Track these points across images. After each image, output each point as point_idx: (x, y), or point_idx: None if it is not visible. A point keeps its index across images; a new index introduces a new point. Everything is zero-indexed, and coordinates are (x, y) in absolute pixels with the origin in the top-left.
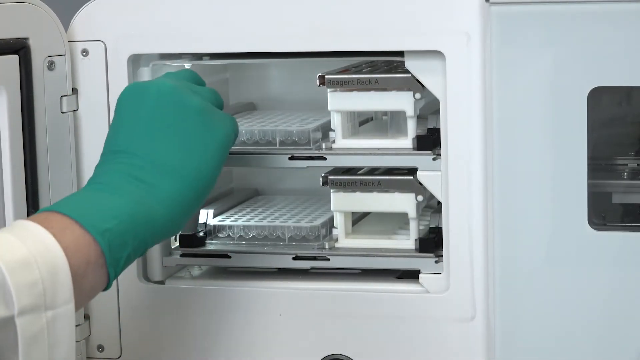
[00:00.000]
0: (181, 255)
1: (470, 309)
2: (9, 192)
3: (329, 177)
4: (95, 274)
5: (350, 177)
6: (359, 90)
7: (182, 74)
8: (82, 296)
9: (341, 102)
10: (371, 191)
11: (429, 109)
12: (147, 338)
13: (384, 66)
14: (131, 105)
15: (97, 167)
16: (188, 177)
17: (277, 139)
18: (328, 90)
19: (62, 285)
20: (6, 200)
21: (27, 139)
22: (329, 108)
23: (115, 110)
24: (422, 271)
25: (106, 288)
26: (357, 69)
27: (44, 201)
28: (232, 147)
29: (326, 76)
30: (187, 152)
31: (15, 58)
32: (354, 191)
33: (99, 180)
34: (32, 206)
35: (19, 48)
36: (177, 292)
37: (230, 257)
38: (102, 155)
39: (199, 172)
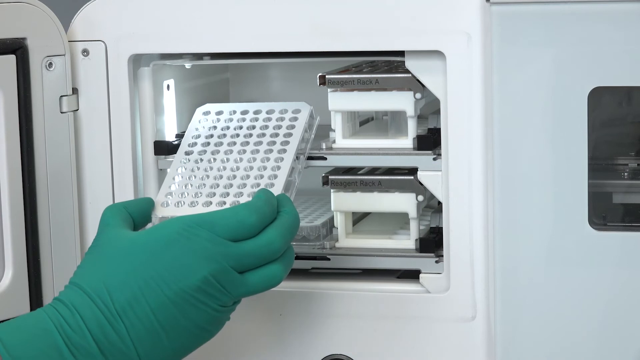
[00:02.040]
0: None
1: (470, 309)
2: (6, 193)
3: (329, 177)
4: None
5: (350, 177)
6: (359, 90)
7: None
8: None
9: (341, 102)
10: (371, 191)
11: (429, 109)
12: None
13: (384, 66)
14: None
15: (73, 295)
16: None
17: None
18: (328, 90)
19: None
20: (3, 202)
21: (25, 139)
22: (329, 108)
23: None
24: (422, 271)
25: None
26: (358, 69)
27: (42, 203)
28: None
29: (326, 76)
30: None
31: (12, 58)
32: (354, 191)
33: (75, 334)
34: (30, 208)
35: (16, 48)
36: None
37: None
38: (94, 294)
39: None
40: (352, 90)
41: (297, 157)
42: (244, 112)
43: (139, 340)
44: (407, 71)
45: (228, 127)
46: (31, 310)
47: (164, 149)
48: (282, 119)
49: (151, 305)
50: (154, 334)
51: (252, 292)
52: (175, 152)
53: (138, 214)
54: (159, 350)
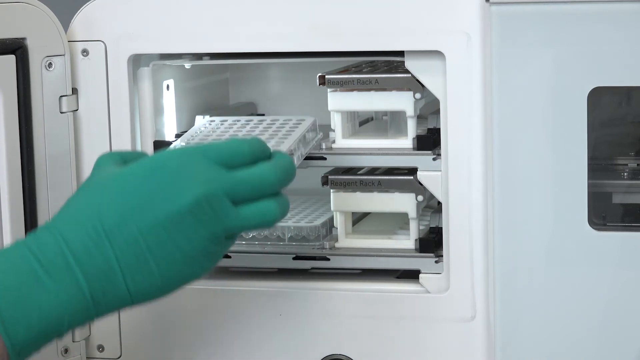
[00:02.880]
0: None
1: (470, 309)
2: (6, 194)
3: (329, 177)
4: None
5: (350, 177)
6: (359, 90)
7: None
8: None
9: (341, 102)
10: (371, 191)
11: (429, 109)
12: (147, 338)
13: (384, 66)
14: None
15: (68, 222)
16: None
17: None
18: (328, 90)
19: None
20: (3, 202)
21: (25, 139)
22: (329, 108)
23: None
24: (422, 271)
25: None
26: (357, 69)
27: (42, 203)
28: None
29: (326, 76)
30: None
31: (12, 58)
32: (354, 191)
33: (54, 248)
34: (30, 209)
35: (16, 48)
36: (176, 292)
37: (230, 256)
38: (82, 215)
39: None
40: (352, 90)
41: (290, 154)
42: (248, 120)
43: (126, 265)
44: (407, 71)
45: (230, 129)
46: None
47: (164, 148)
48: (282, 127)
49: (140, 228)
50: (142, 258)
51: (246, 225)
52: None
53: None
54: (147, 278)
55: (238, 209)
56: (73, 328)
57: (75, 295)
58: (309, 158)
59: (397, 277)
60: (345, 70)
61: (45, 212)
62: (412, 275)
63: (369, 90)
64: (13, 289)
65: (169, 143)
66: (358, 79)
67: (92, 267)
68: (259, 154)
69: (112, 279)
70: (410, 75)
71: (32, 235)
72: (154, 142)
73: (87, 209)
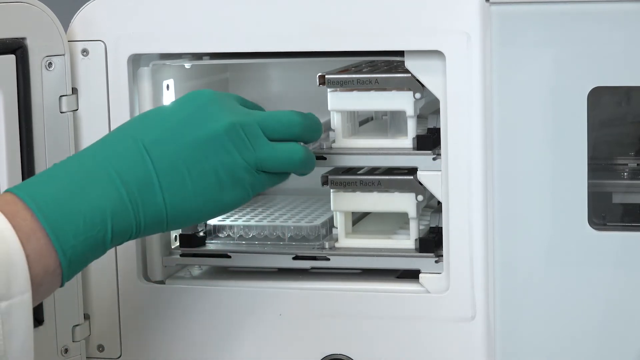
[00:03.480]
0: (181, 255)
1: (470, 309)
2: None
3: (329, 176)
4: (51, 281)
5: (350, 177)
6: (358, 90)
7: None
8: (36, 299)
9: (341, 102)
10: (371, 191)
11: (429, 109)
12: (147, 338)
13: (384, 66)
14: (187, 108)
15: (109, 142)
16: (192, 214)
17: None
18: (328, 90)
19: (18, 275)
20: None
21: (25, 139)
22: (329, 108)
23: (173, 103)
24: (422, 271)
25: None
26: (357, 69)
27: None
28: None
29: (326, 76)
30: (204, 189)
31: (12, 58)
32: (354, 191)
33: (95, 163)
34: None
35: (16, 48)
36: (177, 292)
37: (230, 256)
38: (122, 135)
39: (205, 214)
40: (352, 90)
41: None
42: None
43: (163, 177)
44: (407, 71)
45: None
46: (34, 318)
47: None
48: None
49: (177, 145)
50: (178, 172)
51: (274, 158)
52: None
53: None
54: (181, 191)
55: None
56: (117, 240)
57: (116, 200)
58: None
59: (397, 277)
60: (345, 70)
61: None
62: (412, 275)
63: (369, 90)
64: (59, 199)
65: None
66: (358, 78)
67: (132, 177)
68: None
69: (150, 189)
70: (410, 75)
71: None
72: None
73: (130, 129)
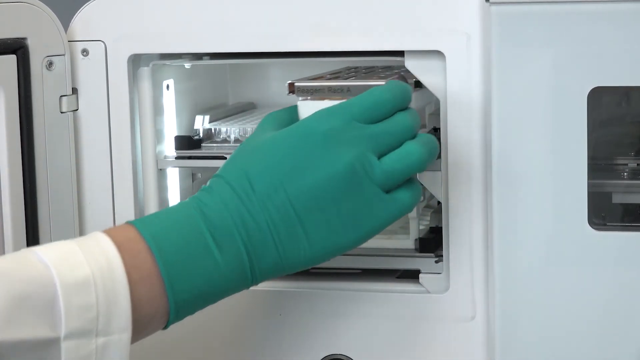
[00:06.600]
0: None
1: (470, 309)
2: (7, 193)
3: (296, 84)
4: (155, 326)
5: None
6: (330, 99)
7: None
8: (136, 339)
9: (312, 112)
10: (342, 98)
11: (429, 109)
12: (147, 338)
13: (363, 73)
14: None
15: (218, 190)
16: (318, 255)
17: None
18: (298, 99)
19: (120, 313)
20: (4, 202)
21: (25, 138)
22: (299, 118)
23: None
24: (422, 271)
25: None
26: (334, 75)
27: (42, 203)
28: None
29: (295, 84)
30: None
31: (13, 58)
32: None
33: (218, 218)
34: (31, 208)
35: (17, 48)
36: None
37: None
38: (234, 178)
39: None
40: (323, 99)
41: None
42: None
43: (276, 232)
44: (382, 78)
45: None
46: None
47: (185, 143)
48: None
49: (289, 195)
50: (290, 225)
51: (391, 172)
52: (196, 147)
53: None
54: (294, 244)
55: (381, 160)
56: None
57: (238, 267)
58: None
59: (397, 277)
60: (318, 78)
61: (46, 211)
62: (412, 275)
63: (342, 99)
64: (182, 250)
65: (190, 138)
66: (329, 87)
67: (249, 235)
68: (399, 101)
69: (265, 247)
70: (383, 83)
71: (199, 194)
72: (175, 137)
73: (240, 175)
